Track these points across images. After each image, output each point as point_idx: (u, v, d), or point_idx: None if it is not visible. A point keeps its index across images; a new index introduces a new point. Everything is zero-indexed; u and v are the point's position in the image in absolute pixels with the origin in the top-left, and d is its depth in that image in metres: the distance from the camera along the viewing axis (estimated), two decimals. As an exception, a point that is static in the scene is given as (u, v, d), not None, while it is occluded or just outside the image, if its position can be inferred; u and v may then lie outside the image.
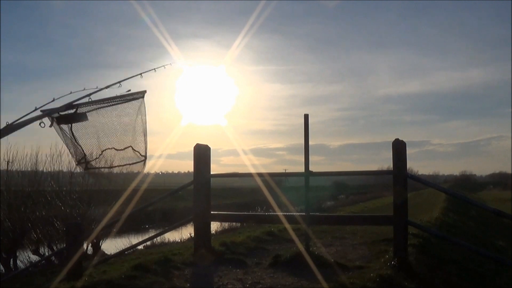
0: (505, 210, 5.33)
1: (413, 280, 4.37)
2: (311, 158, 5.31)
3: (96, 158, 2.64)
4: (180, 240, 11.93)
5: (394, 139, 5.08)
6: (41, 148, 12.55)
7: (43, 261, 9.53)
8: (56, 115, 2.47)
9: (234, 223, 12.17)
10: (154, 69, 2.81)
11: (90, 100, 2.43)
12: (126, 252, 6.63)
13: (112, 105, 2.54)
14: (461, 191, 36.23)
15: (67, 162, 12.52)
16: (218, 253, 5.57)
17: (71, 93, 2.49)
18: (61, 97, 2.50)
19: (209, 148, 5.79)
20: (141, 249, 8.36)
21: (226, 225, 13.07)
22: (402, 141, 5.04)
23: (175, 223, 6.90)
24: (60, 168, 12.49)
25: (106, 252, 9.66)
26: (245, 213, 9.11)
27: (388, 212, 5.81)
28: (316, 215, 5.85)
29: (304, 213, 5.37)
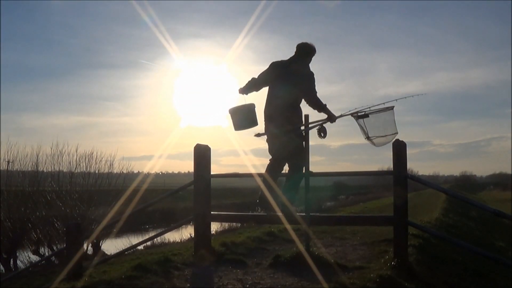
0: (505, 211, 5.32)
1: (413, 280, 4.37)
2: (311, 158, 5.30)
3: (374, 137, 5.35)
4: (180, 241, 11.93)
5: (394, 140, 5.08)
6: (42, 148, 12.56)
7: (43, 261, 9.53)
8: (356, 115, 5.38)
9: (234, 224, 12.17)
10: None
11: (369, 109, 5.31)
12: (126, 253, 6.62)
13: (381, 111, 5.32)
14: (461, 192, 36.28)
15: (67, 162, 12.54)
16: (218, 253, 5.56)
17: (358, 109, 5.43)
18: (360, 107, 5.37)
19: (209, 148, 5.77)
20: (141, 249, 8.36)
21: (226, 225, 13.07)
22: (402, 141, 5.04)
23: (175, 223, 6.91)
24: (61, 168, 12.49)
25: (106, 252, 9.66)
26: (245, 213, 9.09)
27: (388, 213, 5.81)
28: (316, 215, 5.83)
29: (304, 214, 5.37)
